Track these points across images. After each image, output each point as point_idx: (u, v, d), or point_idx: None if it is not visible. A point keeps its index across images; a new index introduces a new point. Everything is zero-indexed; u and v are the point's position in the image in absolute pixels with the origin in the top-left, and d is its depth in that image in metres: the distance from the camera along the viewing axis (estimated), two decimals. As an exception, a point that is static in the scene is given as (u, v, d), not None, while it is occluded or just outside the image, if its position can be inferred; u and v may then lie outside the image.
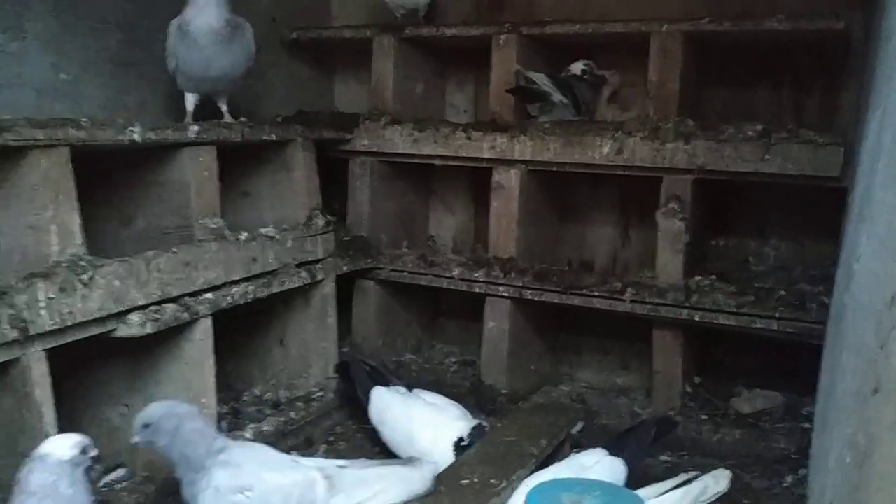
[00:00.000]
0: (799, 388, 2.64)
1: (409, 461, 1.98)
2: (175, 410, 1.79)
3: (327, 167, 2.92)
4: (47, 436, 1.72)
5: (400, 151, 3.02)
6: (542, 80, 2.81)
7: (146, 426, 1.76)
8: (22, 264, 1.81)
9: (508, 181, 2.85)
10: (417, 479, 1.87)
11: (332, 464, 1.91)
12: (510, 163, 2.83)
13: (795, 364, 2.58)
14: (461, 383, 3.02)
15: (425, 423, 2.29)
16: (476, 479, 1.91)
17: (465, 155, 2.89)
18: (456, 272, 2.94)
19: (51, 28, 2.37)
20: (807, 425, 2.48)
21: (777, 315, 2.43)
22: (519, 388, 2.93)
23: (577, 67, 2.93)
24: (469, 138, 2.87)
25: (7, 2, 2.26)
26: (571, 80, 2.90)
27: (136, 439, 1.78)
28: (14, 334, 1.66)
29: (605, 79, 3.01)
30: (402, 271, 3.04)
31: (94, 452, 1.57)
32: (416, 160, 3.04)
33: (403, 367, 3.16)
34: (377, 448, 2.48)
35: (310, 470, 1.82)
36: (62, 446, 1.53)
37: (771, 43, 2.71)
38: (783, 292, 2.50)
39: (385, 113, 3.08)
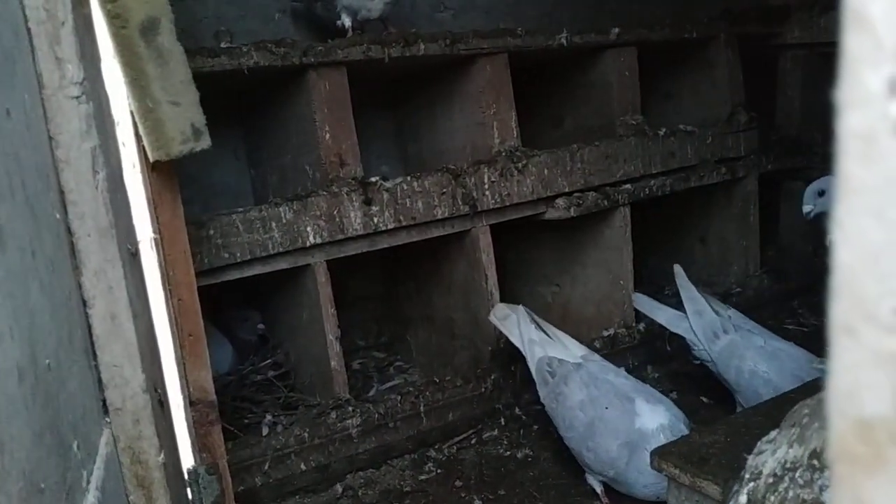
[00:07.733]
0: None
1: None
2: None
3: (753, 63, 2.82)
4: (491, 295, 2.08)
5: (837, 41, 2.75)
6: None
7: (821, 193, 1.91)
8: (471, 154, 2.18)
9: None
10: None
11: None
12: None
13: None
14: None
15: None
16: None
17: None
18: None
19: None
20: None
21: None
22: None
23: None
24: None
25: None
26: None
27: (807, 208, 1.93)
28: (466, 209, 2.02)
29: None
30: (838, 171, 2.81)
31: None
32: (857, 48, 2.74)
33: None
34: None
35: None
36: None
37: None
38: None
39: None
